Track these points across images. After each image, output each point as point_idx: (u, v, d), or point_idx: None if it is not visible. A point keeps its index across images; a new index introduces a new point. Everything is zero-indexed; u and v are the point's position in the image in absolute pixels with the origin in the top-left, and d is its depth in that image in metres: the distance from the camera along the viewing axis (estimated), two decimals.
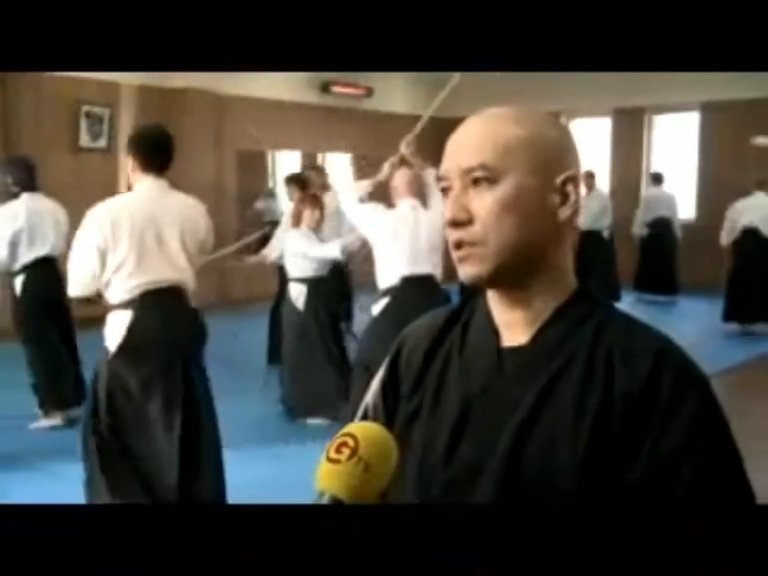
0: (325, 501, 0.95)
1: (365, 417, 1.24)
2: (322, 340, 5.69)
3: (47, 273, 5.49)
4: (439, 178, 1.12)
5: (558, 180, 1.09)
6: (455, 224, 1.08)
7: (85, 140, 9.70)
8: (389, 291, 4.49)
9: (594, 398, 1.03)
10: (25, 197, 5.42)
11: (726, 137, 11.78)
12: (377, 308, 4.56)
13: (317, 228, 5.78)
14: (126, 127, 9.98)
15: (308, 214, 5.74)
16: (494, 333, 1.13)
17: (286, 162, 13.65)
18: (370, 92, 12.91)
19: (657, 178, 11.45)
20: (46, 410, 5.56)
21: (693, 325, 9.35)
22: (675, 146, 12.80)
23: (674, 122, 12.83)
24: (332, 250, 5.59)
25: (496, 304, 1.14)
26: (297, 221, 5.79)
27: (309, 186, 7.19)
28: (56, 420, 5.55)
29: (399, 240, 4.47)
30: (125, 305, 3.44)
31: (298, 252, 5.65)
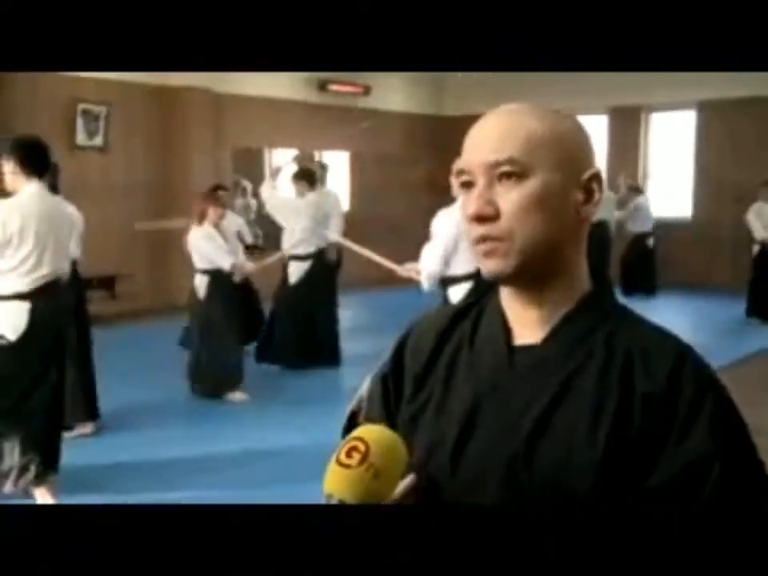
0: (333, 504, 0.94)
1: (357, 408, 1.22)
2: (226, 325, 6.35)
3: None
4: (459, 173, 1.09)
5: (584, 177, 1.08)
6: (480, 219, 1.06)
7: (81, 138, 9.68)
8: (470, 277, 4.68)
9: (612, 399, 1.02)
10: None
11: (722, 135, 11.80)
12: (456, 293, 4.70)
13: (218, 224, 6.42)
14: (122, 125, 9.98)
15: (212, 212, 6.33)
16: (506, 330, 1.12)
17: (282, 160, 13.64)
18: (367, 90, 12.91)
19: None
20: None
21: (692, 322, 9.36)
22: (671, 145, 12.82)
23: (670, 121, 12.84)
24: (222, 260, 6.29)
25: (510, 301, 1.12)
26: (201, 218, 6.35)
27: (317, 181, 7.38)
28: (86, 429, 5.37)
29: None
30: (22, 296, 3.96)
31: (198, 248, 6.35)
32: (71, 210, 5.42)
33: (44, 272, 4.02)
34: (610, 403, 1.02)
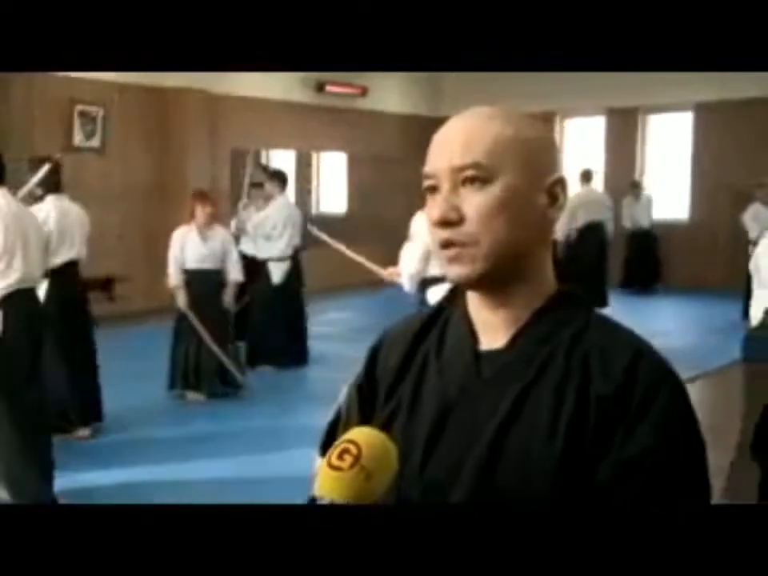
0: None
1: (337, 420, 1.22)
2: (187, 326, 6.26)
3: (73, 277, 5.32)
4: (425, 177, 1.09)
5: (548, 181, 1.08)
6: (444, 224, 1.06)
7: (79, 139, 9.67)
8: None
9: (569, 402, 1.02)
10: (51, 199, 5.18)
11: (719, 137, 11.81)
12: (435, 294, 4.57)
13: (207, 224, 6.22)
14: (119, 127, 9.97)
15: (200, 211, 6.19)
16: (472, 336, 1.11)
17: (280, 161, 13.66)
18: (364, 91, 12.91)
19: (586, 176, 10.12)
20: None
21: (689, 324, 9.37)
22: (668, 146, 12.82)
23: (667, 122, 12.85)
24: (171, 270, 6.22)
25: (477, 306, 1.12)
26: (189, 217, 6.28)
27: (287, 181, 7.48)
28: (85, 433, 5.33)
29: None
30: None
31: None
32: (77, 210, 5.37)
33: (13, 279, 3.94)
34: (566, 407, 1.02)
